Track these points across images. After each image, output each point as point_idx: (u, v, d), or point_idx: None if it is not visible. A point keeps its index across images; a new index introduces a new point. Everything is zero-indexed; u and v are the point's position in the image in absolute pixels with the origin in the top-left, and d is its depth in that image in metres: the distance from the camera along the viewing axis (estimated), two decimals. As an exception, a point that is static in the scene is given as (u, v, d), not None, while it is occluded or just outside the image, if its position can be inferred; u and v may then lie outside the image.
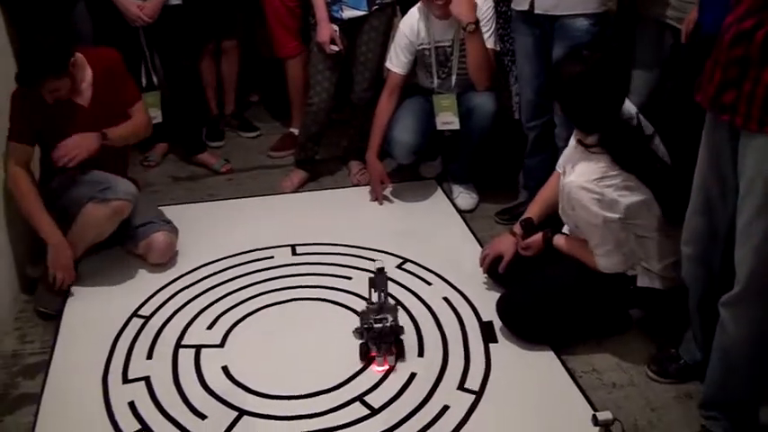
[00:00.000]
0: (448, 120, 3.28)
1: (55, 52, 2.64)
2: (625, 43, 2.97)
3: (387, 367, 2.43)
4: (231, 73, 4.10)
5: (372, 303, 2.46)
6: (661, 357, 2.42)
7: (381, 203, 3.43)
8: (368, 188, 3.60)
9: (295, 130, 4.01)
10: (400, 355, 2.46)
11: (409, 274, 2.95)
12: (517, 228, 2.70)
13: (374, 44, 3.45)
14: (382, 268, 2.46)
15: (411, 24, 3.25)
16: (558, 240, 2.58)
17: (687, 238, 2.18)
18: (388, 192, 3.55)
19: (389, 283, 2.52)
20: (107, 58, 2.93)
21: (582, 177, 2.31)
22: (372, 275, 2.49)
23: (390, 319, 2.41)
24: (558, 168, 2.68)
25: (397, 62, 3.30)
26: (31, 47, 2.66)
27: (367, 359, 2.45)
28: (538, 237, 2.62)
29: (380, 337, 2.41)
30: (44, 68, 2.62)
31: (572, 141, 2.55)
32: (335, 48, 3.37)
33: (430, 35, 3.22)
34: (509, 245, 2.73)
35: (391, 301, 2.51)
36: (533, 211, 2.72)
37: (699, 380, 2.32)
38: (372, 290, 2.46)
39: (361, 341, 2.47)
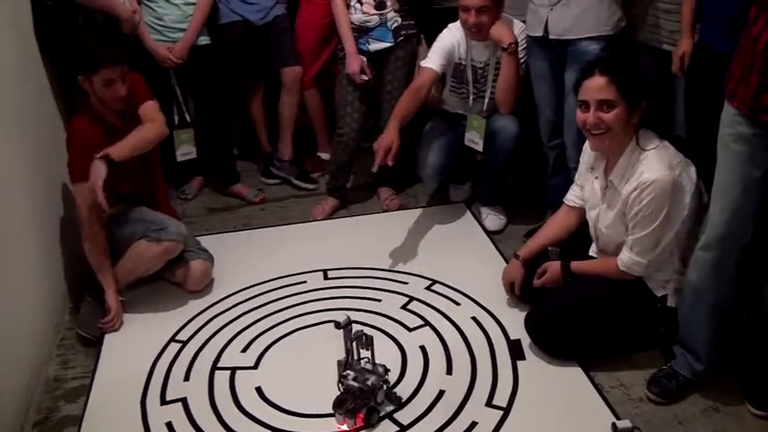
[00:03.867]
0: (474, 139, 3.35)
1: (110, 40, 2.76)
2: None
3: (344, 427, 2.33)
4: (289, 111, 3.99)
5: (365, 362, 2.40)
6: (658, 377, 2.42)
7: (375, 170, 3.18)
8: (397, 213, 3.69)
9: (322, 154, 4.15)
10: (366, 423, 2.31)
11: (438, 295, 3.00)
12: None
13: (400, 74, 3.54)
14: (347, 324, 2.34)
15: (451, 37, 3.30)
16: (576, 266, 2.63)
17: (707, 243, 2.20)
18: (417, 215, 3.63)
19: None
20: (133, 80, 2.98)
21: (654, 173, 2.33)
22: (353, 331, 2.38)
23: (369, 381, 2.33)
24: (567, 201, 2.76)
25: (432, 60, 3.29)
26: (87, 37, 2.78)
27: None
28: (555, 267, 2.65)
29: (352, 396, 2.32)
30: (101, 54, 2.71)
31: (581, 179, 2.66)
32: (365, 77, 3.46)
33: (468, 53, 3.30)
34: (516, 270, 2.81)
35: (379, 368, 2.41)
36: (533, 245, 2.81)
37: (716, 390, 2.37)
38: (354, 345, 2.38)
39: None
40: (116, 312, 2.87)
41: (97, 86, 2.77)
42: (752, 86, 1.98)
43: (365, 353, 2.39)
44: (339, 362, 2.37)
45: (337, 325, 2.32)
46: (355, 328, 2.36)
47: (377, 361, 2.40)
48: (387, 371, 2.42)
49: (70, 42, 2.86)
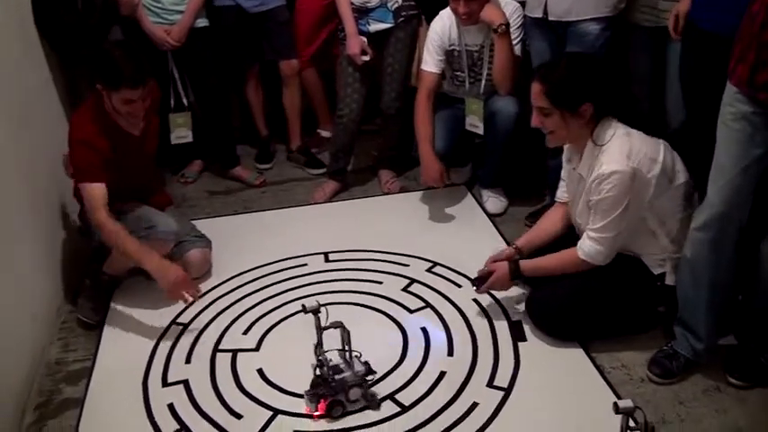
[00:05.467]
0: (475, 123, 3.34)
1: (136, 59, 2.68)
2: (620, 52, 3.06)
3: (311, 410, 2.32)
4: (291, 103, 4.02)
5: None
6: (659, 358, 2.42)
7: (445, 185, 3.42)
8: (398, 196, 3.69)
9: (322, 131, 4.19)
10: (326, 412, 2.29)
11: (439, 278, 3.00)
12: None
13: (400, 55, 3.53)
14: (315, 310, 2.27)
15: (442, 26, 3.30)
16: (526, 265, 2.62)
17: (704, 223, 2.20)
18: (418, 198, 3.62)
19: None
20: (155, 91, 3.00)
21: (611, 165, 2.34)
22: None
23: (340, 376, 2.28)
24: (557, 198, 2.77)
25: (430, 62, 3.32)
26: (113, 52, 2.71)
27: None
28: (502, 268, 2.63)
29: (324, 383, 2.30)
30: (125, 73, 2.63)
31: (564, 173, 2.68)
32: (366, 58, 3.45)
33: (461, 38, 3.28)
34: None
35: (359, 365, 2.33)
36: (525, 240, 2.78)
37: (717, 370, 2.38)
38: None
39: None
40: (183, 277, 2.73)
41: (116, 102, 2.71)
42: (749, 64, 1.98)
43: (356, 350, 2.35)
44: (315, 345, 2.31)
45: (304, 309, 2.27)
46: (342, 319, 2.30)
47: (368, 360, 2.36)
48: (369, 372, 2.34)
49: (95, 53, 2.78)
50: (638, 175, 2.34)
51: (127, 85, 2.65)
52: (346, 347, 2.31)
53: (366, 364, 2.34)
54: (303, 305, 2.29)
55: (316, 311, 2.26)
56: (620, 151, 2.35)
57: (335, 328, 2.26)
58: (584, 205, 2.50)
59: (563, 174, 2.73)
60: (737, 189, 2.11)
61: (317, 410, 2.29)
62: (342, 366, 2.31)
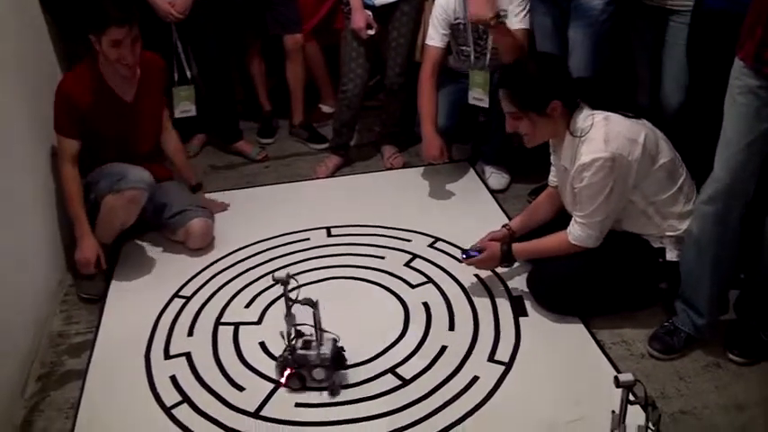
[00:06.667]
0: (479, 96, 3.31)
1: (118, 2, 2.71)
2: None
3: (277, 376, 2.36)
4: (294, 78, 4.00)
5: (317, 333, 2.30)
6: (660, 334, 2.43)
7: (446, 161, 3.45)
8: (401, 171, 3.68)
9: (323, 106, 4.19)
10: (289, 381, 2.31)
11: (441, 253, 3.00)
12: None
13: (406, 29, 3.50)
14: (284, 281, 2.25)
15: (447, 0, 3.28)
16: (519, 248, 2.63)
17: (710, 197, 2.20)
18: (420, 174, 3.61)
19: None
20: (155, 64, 3.06)
21: (591, 154, 2.34)
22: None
23: (304, 353, 2.28)
24: (549, 183, 2.76)
25: (435, 36, 3.30)
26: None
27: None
28: (494, 248, 2.64)
29: (292, 354, 2.30)
30: (110, 13, 2.68)
31: (552, 160, 2.67)
32: (371, 32, 3.42)
33: (466, 12, 3.25)
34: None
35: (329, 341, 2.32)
36: (518, 222, 2.79)
37: (718, 346, 2.39)
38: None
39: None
40: (89, 258, 2.82)
41: (105, 47, 2.74)
42: (756, 39, 1.97)
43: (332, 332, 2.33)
44: (285, 315, 2.30)
45: (273, 278, 2.27)
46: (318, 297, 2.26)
47: (343, 345, 2.38)
48: (338, 357, 2.34)
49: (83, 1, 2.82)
50: (619, 160, 2.33)
51: (113, 23, 2.68)
52: (318, 326, 2.28)
53: (338, 348, 2.35)
54: (273, 275, 2.30)
55: (285, 282, 2.25)
56: (599, 138, 2.35)
57: (304, 304, 2.23)
58: (571, 194, 2.50)
59: (552, 160, 2.72)
60: (744, 163, 2.11)
61: (280, 377, 2.32)
62: (313, 344, 2.30)
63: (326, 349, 2.28)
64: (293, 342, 2.31)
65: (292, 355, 2.29)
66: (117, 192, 2.80)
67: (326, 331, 2.31)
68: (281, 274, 2.27)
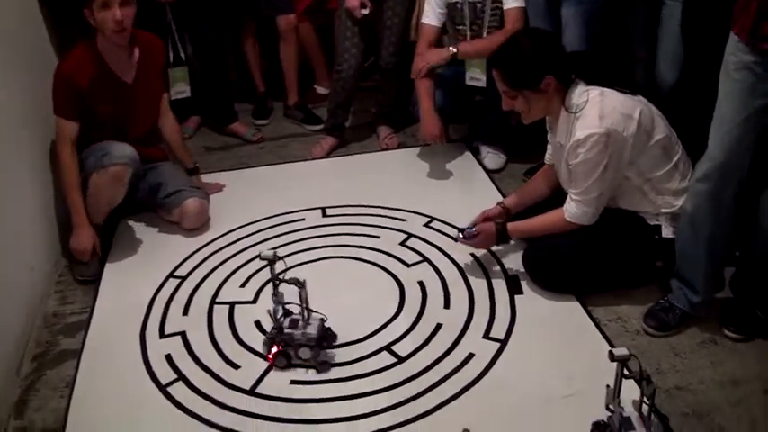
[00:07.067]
0: (476, 76, 3.29)
1: None
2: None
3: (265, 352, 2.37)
4: (287, 58, 3.98)
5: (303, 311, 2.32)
6: (655, 311, 2.43)
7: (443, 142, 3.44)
8: (396, 151, 3.67)
9: (318, 87, 4.19)
10: (276, 359, 2.31)
11: (437, 232, 3.00)
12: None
13: (400, 8, 3.47)
14: (271, 260, 2.25)
15: None
16: (514, 227, 2.62)
17: (705, 174, 2.19)
18: (416, 154, 3.60)
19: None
20: (155, 45, 3.06)
21: (586, 129, 2.33)
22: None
23: (290, 331, 2.29)
24: (545, 161, 2.76)
25: (431, 15, 3.28)
26: None
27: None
28: (488, 229, 2.64)
29: (280, 332, 2.31)
30: None
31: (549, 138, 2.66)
32: (365, 11, 3.40)
33: None
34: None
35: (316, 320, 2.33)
36: (513, 200, 2.79)
37: (713, 323, 2.40)
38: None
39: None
40: (85, 248, 2.82)
41: (98, 15, 2.72)
42: (751, 14, 1.96)
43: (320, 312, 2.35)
44: (272, 294, 2.32)
45: (261, 257, 2.27)
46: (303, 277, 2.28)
47: (333, 324, 2.39)
48: (324, 337, 2.33)
49: None
50: (614, 135, 2.32)
51: None
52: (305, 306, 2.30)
53: (325, 328, 2.34)
54: (260, 253, 2.29)
55: (272, 261, 2.25)
56: (594, 114, 2.34)
57: (291, 284, 2.23)
58: (567, 171, 2.49)
59: (548, 137, 2.71)
60: (738, 139, 2.10)
61: (267, 353, 2.33)
62: (300, 323, 2.30)
63: (312, 329, 2.28)
64: (281, 321, 2.31)
65: (279, 333, 2.30)
66: (101, 168, 2.79)
67: (314, 311, 2.31)
68: (269, 252, 2.27)
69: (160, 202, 3.05)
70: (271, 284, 2.43)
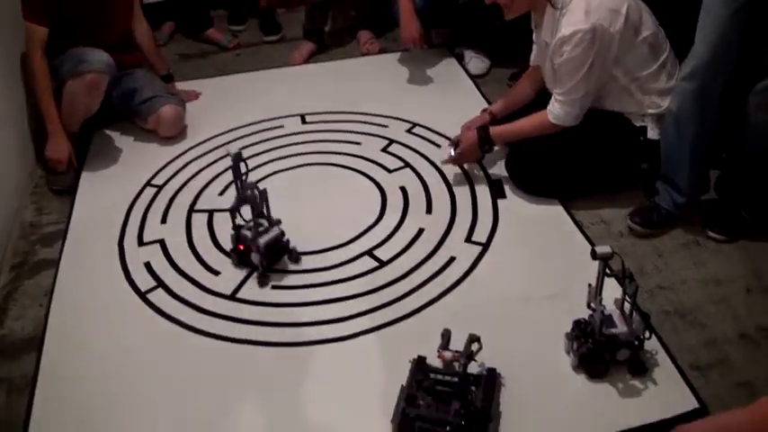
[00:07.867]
0: None
1: None
2: None
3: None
4: None
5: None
6: (642, 209, 2.41)
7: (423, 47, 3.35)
8: (378, 57, 3.57)
9: None
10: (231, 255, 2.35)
11: (418, 138, 2.94)
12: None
13: None
14: (233, 158, 2.20)
15: None
16: (496, 131, 2.57)
17: (690, 73, 2.15)
18: (397, 59, 3.51)
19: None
20: None
21: (571, 26, 2.27)
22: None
23: (246, 233, 2.27)
24: (531, 63, 2.68)
25: None
26: None
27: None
28: (470, 136, 2.59)
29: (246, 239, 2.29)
30: None
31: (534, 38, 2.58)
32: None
33: None
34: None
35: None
36: (499, 105, 2.74)
37: (697, 226, 2.38)
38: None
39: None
40: (60, 158, 2.77)
41: None
42: None
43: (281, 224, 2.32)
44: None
45: (227, 152, 2.29)
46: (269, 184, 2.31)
47: (290, 242, 2.35)
48: (273, 249, 2.29)
49: None
50: (600, 31, 2.25)
51: None
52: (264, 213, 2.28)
53: (281, 241, 2.31)
54: (228, 150, 2.27)
55: (239, 158, 2.19)
56: (580, 10, 2.26)
57: (251, 189, 2.21)
58: (551, 70, 2.43)
59: (534, 37, 2.63)
60: (723, 36, 2.05)
61: (238, 247, 2.32)
62: (260, 229, 2.26)
63: (264, 238, 2.25)
64: (249, 222, 2.28)
65: (237, 232, 2.29)
66: (78, 75, 2.71)
67: (275, 221, 2.28)
68: (235, 150, 2.20)
69: (135, 108, 2.97)
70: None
